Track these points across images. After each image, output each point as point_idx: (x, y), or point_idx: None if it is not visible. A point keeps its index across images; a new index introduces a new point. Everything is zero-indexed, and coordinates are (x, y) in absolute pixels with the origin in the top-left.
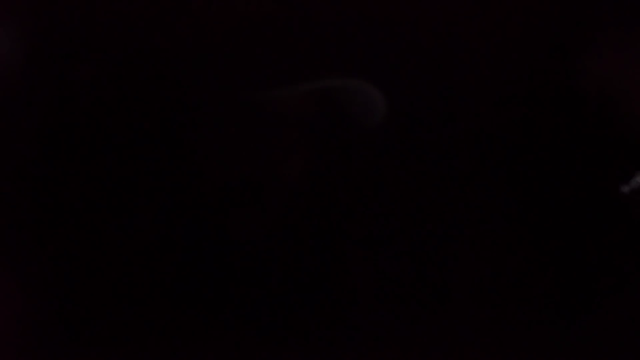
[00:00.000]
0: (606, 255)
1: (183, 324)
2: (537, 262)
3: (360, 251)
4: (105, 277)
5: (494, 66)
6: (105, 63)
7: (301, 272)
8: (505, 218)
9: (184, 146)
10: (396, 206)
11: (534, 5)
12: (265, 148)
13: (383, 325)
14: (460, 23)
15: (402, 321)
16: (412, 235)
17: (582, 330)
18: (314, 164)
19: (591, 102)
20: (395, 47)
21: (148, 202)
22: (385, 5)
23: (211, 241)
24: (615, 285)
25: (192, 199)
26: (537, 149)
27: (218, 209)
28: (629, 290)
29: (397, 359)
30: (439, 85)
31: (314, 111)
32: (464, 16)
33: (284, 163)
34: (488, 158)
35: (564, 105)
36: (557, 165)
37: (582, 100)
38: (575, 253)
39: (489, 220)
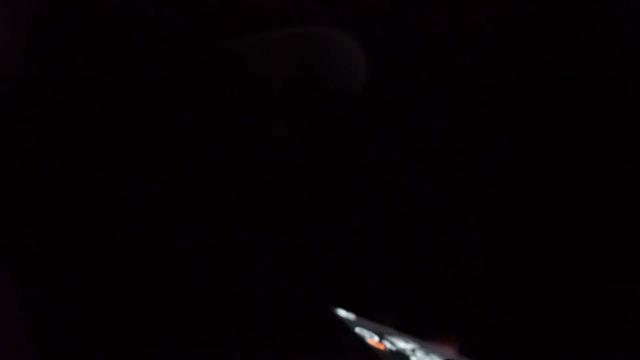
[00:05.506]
0: (606, 256)
1: (182, 323)
2: (536, 262)
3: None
4: (104, 277)
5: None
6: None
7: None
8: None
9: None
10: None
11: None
12: (249, 111)
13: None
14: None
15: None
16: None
17: (582, 330)
18: (299, 133)
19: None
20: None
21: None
22: None
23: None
24: (615, 286)
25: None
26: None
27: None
28: (629, 291)
29: None
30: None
31: (297, 56)
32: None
33: (269, 129)
34: (486, 150)
35: (569, 101)
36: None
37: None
38: (575, 253)
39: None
